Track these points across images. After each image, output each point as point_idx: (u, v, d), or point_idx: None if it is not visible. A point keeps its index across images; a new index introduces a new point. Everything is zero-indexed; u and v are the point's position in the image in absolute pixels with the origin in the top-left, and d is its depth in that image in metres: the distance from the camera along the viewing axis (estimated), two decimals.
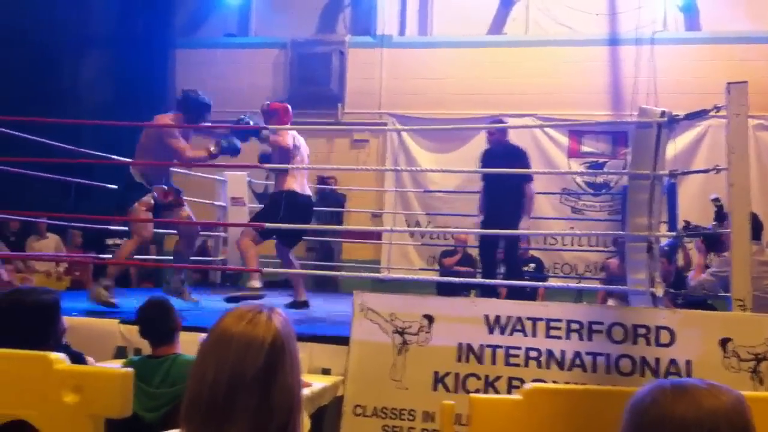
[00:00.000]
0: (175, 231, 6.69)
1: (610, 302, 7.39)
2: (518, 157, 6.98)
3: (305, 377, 3.51)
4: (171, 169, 6.34)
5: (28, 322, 3.03)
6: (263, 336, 1.47)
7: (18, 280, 7.79)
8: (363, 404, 4.04)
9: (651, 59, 10.16)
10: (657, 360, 3.85)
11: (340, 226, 9.71)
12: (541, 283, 8.58)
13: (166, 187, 6.03)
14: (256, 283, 5.90)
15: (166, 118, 6.04)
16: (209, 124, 6.16)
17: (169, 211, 6.11)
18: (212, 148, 5.95)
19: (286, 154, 6.14)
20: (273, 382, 1.46)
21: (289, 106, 6.47)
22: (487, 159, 7.13)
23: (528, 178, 6.99)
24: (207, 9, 11.84)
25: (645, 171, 4.68)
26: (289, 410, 1.48)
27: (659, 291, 4.56)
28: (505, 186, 6.80)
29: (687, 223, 6.83)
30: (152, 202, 5.90)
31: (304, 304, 6.14)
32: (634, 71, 10.21)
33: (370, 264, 9.92)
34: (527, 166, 7.07)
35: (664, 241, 5.86)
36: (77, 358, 3.35)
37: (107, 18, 11.77)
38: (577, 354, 3.91)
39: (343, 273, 7.39)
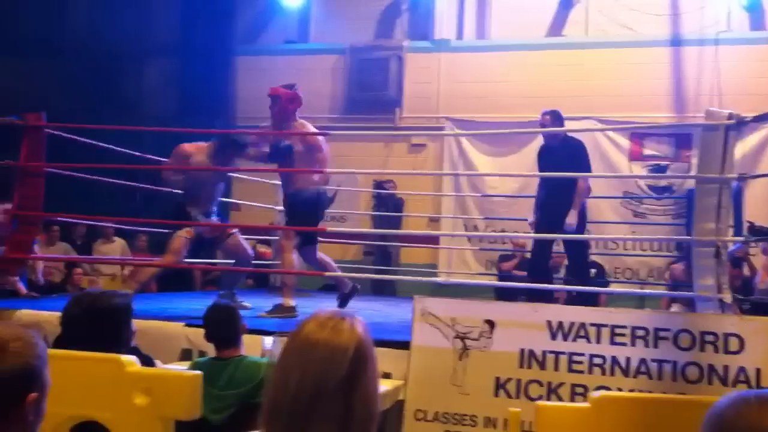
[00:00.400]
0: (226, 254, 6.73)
1: (674, 308, 7.25)
2: (576, 149, 6.79)
3: None
4: (231, 175, 6.40)
5: (102, 325, 3.13)
6: (347, 344, 1.47)
7: (85, 282, 8.03)
8: (424, 409, 4.04)
9: (715, 60, 9.94)
10: (725, 368, 3.76)
11: (398, 230, 9.72)
12: (602, 289, 8.46)
13: (215, 220, 6.08)
14: (292, 302, 5.68)
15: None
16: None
17: (219, 243, 6.21)
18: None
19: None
20: (355, 390, 1.46)
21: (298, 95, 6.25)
22: (545, 155, 7.01)
23: (584, 172, 6.77)
24: (267, 16, 12.00)
25: (713, 174, 4.58)
26: (369, 418, 1.49)
27: (727, 297, 4.46)
28: (561, 183, 6.69)
29: (751, 224, 6.67)
30: (195, 232, 5.90)
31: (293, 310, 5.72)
32: (697, 72, 10.01)
33: (427, 268, 9.92)
34: (585, 159, 6.80)
35: (731, 246, 5.72)
36: (147, 360, 3.44)
37: (170, 27, 12.04)
38: (643, 361, 3.84)
39: (402, 277, 7.39)
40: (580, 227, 6.76)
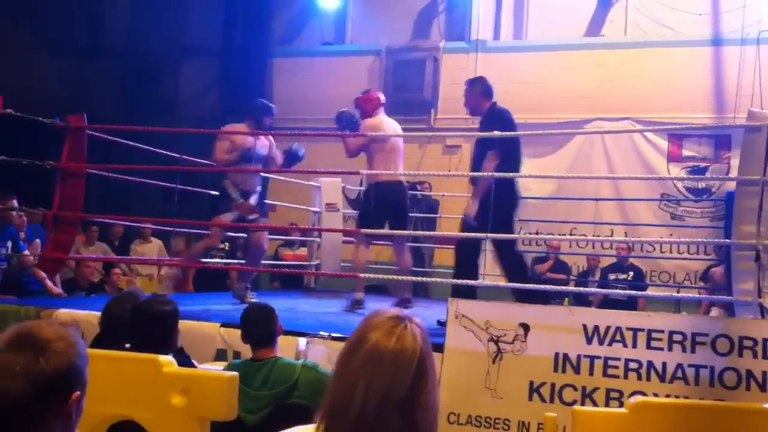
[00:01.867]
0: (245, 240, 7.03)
1: (714, 312, 7.14)
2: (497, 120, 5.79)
3: None
4: (265, 177, 6.58)
5: (153, 328, 3.35)
6: (411, 352, 1.48)
7: (123, 283, 8.14)
8: (457, 412, 4.02)
9: (756, 59, 9.76)
10: (764, 374, 3.69)
11: (433, 232, 9.69)
12: (637, 293, 8.37)
13: (252, 203, 6.29)
14: (362, 295, 6.26)
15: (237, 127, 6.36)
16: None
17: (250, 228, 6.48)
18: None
19: (368, 148, 6.31)
20: (418, 399, 1.47)
21: (378, 95, 6.80)
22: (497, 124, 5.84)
23: (491, 145, 5.63)
24: (304, 18, 12.07)
25: (754, 176, 4.51)
26: (432, 423, 1.50)
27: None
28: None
29: None
30: (233, 215, 6.23)
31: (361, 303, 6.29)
32: (738, 72, 9.83)
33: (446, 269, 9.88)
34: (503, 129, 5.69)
35: None
36: (187, 361, 3.53)
37: (208, 29, 12.17)
38: (679, 366, 3.79)
39: (437, 279, 7.37)
40: (483, 219, 5.67)
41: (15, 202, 6.45)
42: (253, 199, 6.33)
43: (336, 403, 1.48)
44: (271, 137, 6.53)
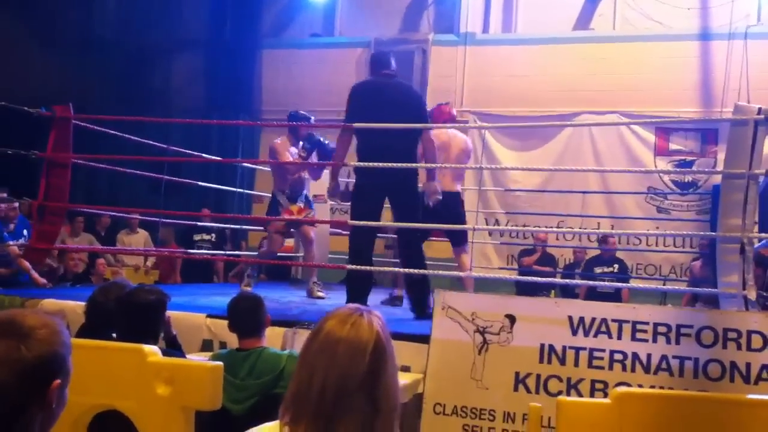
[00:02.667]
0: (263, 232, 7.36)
1: (699, 306, 7.19)
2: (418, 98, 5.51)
3: None
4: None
5: (139, 319, 3.37)
6: (366, 340, 1.53)
7: (108, 273, 8.11)
8: (443, 403, 4.04)
9: (744, 54, 9.80)
10: (748, 365, 3.72)
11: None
12: (623, 285, 8.41)
13: (301, 205, 6.80)
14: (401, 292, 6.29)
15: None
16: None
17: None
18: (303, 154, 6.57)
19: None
20: (378, 382, 1.52)
21: (450, 109, 6.78)
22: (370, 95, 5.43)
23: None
24: (293, 10, 12.04)
25: (740, 170, 4.53)
26: (394, 407, 1.55)
27: (752, 294, 4.41)
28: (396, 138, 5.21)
29: None
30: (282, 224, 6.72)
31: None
32: (726, 67, 9.88)
33: (448, 262, 9.89)
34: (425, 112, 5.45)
35: (756, 243, 5.65)
36: (178, 349, 3.56)
37: (197, 21, 12.12)
38: (664, 357, 3.82)
39: (423, 271, 7.38)
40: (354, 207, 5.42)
41: (5, 195, 6.42)
42: (300, 201, 6.77)
43: (297, 392, 1.53)
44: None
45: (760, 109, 4.58)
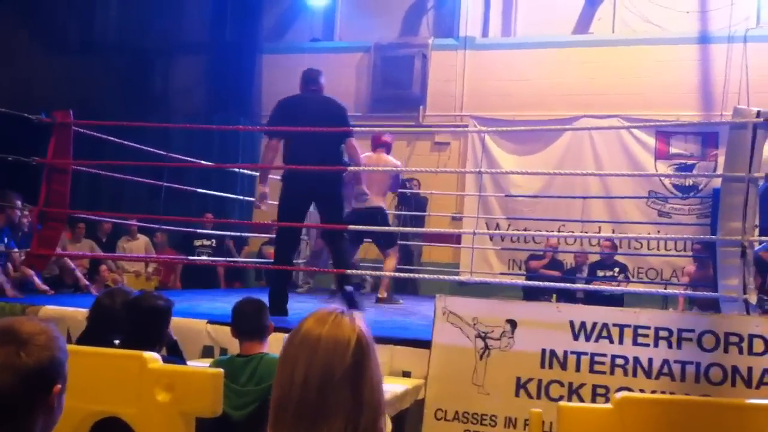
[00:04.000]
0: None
1: (695, 310, 7.20)
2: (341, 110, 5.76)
3: (384, 379, 3.54)
4: None
5: (146, 324, 3.40)
6: (349, 336, 1.50)
7: (109, 280, 8.10)
8: (444, 408, 4.03)
9: (743, 57, 9.81)
10: (749, 369, 3.72)
11: (422, 229, 9.70)
12: (621, 288, 8.39)
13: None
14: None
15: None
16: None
17: None
18: None
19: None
20: (361, 379, 1.49)
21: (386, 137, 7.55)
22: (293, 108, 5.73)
23: (349, 133, 5.67)
24: (293, 14, 12.05)
25: (740, 173, 4.53)
26: (377, 406, 1.51)
27: (753, 298, 4.41)
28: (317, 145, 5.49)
29: None
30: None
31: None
32: (725, 70, 9.89)
33: (449, 267, 9.90)
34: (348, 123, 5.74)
35: (756, 247, 5.65)
36: (179, 356, 3.56)
37: (197, 25, 12.14)
38: (666, 362, 3.81)
39: (425, 275, 7.38)
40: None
41: (18, 203, 6.41)
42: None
43: (279, 395, 1.49)
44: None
45: (759, 112, 4.59)
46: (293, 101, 5.75)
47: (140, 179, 7.49)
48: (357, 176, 6.03)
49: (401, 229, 7.18)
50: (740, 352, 3.75)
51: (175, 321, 4.37)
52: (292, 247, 5.85)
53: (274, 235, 9.20)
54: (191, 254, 8.76)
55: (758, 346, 3.73)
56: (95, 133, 6.58)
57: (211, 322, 4.78)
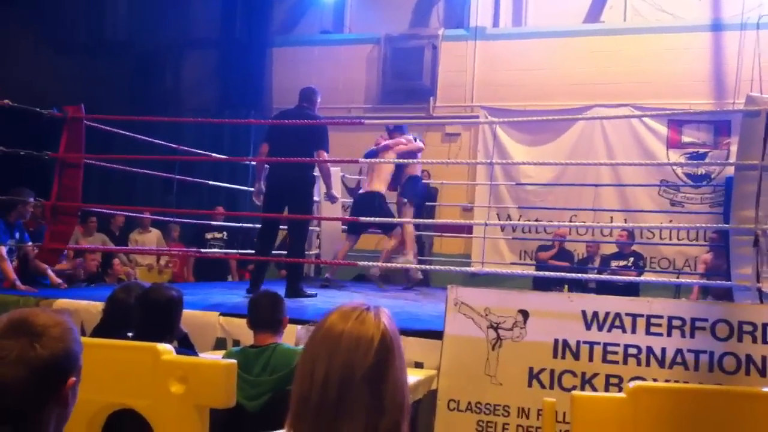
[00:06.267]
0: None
1: (709, 299, 7.17)
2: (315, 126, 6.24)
3: None
4: None
5: (158, 315, 3.40)
6: (372, 333, 1.46)
7: (122, 273, 8.14)
8: (457, 399, 4.03)
9: (756, 45, 9.72)
10: (764, 358, 3.70)
11: (432, 220, 9.69)
12: (636, 278, 8.36)
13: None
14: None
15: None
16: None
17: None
18: None
19: None
20: (384, 379, 1.44)
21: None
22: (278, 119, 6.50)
23: (321, 145, 6.20)
24: (303, 7, 12.04)
25: (753, 161, 4.50)
26: (400, 407, 1.47)
27: (766, 286, 4.38)
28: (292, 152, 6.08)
29: None
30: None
31: None
32: (738, 58, 9.80)
33: (460, 258, 9.89)
34: (322, 136, 6.23)
35: None
36: (191, 348, 3.57)
37: (207, 20, 12.15)
38: (679, 351, 3.80)
39: (436, 267, 7.38)
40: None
41: (32, 199, 6.44)
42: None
43: (300, 390, 1.46)
44: None
45: None
46: (283, 113, 6.52)
47: (152, 172, 7.51)
48: (329, 183, 6.69)
49: (415, 220, 7.17)
50: (754, 341, 3.73)
51: (188, 313, 4.40)
52: (270, 239, 6.42)
53: None
54: (203, 247, 8.79)
55: None
56: (107, 127, 6.60)
57: (223, 314, 4.80)
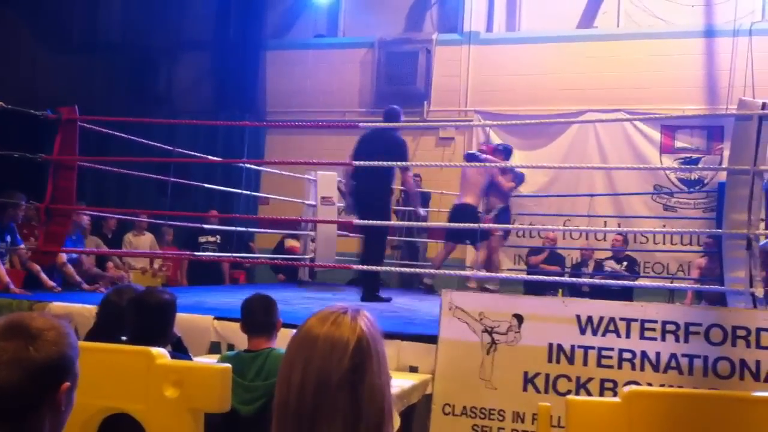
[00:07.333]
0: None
1: (703, 304, 7.20)
2: (394, 141, 6.66)
3: (391, 374, 3.54)
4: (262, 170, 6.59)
5: (151, 320, 3.36)
6: (348, 337, 1.44)
7: (115, 277, 8.10)
8: (452, 403, 4.03)
9: (749, 51, 9.77)
10: (757, 363, 3.71)
11: (426, 223, 9.69)
12: (629, 283, 8.39)
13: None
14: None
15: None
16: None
17: None
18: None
19: None
20: (360, 383, 1.43)
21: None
22: (362, 142, 6.81)
23: (403, 167, 6.76)
24: (297, 10, 12.04)
25: (745, 166, 4.51)
26: (379, 412, 1.45)
27: (759, 291, 4.39)
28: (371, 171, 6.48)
29: None
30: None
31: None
32: (731, 64, 9.85)
33: (455, 263, 9.89)
34: (402, 153, 6.60)
35: (763, 240, 5.64)
36: (184, 353, 3.54)
37: (201, 22, 12.14)
38: (673, 356, 3.81)
39: (430, 271, 7.38)
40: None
41: (23, 201, 6.42)
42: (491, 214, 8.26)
43: (279, 392, 1.46)
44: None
45: (764, 104, 4.56)
46: (368, 133, 6.86)
47: (146, 174, 7.49)
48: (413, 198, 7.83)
49: (410, 223, 7.19)
50: (748, 345, 3.74)
51: (182, 317, 4.39)
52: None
53: (294, 231, 9.37)
54: (196, 250, 8.77)
55: (766, 339, 3.72)
56: (101, 129, 6.58)
57: (218, 318, 4.78)
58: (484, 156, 8.27)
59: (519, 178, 8.68)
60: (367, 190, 6.55)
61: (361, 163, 6.06)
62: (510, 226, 8.54)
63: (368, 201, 6.57)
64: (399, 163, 6.25)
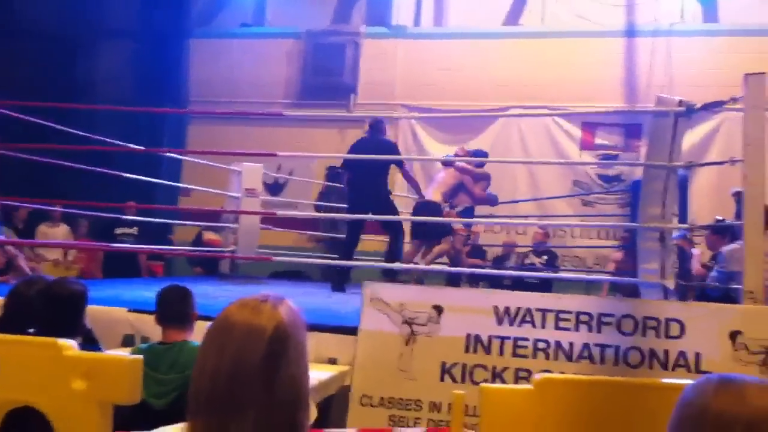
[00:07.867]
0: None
1: (618, 296, 7.39)
2: (388, 148, 7.44)
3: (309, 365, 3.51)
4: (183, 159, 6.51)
5: (61, 310, 3.29)
6: (265, 324, 1.41)
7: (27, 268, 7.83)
8: (370, 394, 4.04)
9: (667, 51, 10.07)
10: (666, 352, 3.83)
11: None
12: (548, 275, 8.56)
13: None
14: None
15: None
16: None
17: None
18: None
19: None
20: (276, 373, 1.39)
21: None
22: (356, 150, 7.41)
23: (399, 164, 7.57)
24: None
25: (661, 162, 4.65)
26: (295, 403, 1.42)
27: (671, 283, 4.54)
28: (369, 173, 7.20)
29: (721, 220, 6.75)
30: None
31: None
32: (650, 64, 10.13)
33: (381, 256, 9.90)
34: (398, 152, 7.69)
35: (675, 233, 5.82)
36: (94, 344, 3.44)
37: (124, 8, 11.81)
38: (586, 345, 3.90)
39: (352, 263, 7.38)
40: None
41: None
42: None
43: (194, 381, 1.41)
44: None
45: (681, 101, 4.71)
46: (359, 141, 7.60)
47: (61, 162, 7.25)
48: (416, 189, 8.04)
49: (330, 215, 7.17)
50: (657, 335, 3.85)
51: (95, 309, 4.26)
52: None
53: (214, 223, 9.18)
54: (112, 242, 8.53)
55: (674, 329, 3.84)
56: (15, 114, 6.34)
57: (132, 310, 4.67)
58: (460, 163, 8.17)
59: (491, 199, 8.57)
60: (372, 192, 7.20)
61: (356, 158, 7.04)
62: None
63: (377, 201, 7.22)
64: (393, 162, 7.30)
